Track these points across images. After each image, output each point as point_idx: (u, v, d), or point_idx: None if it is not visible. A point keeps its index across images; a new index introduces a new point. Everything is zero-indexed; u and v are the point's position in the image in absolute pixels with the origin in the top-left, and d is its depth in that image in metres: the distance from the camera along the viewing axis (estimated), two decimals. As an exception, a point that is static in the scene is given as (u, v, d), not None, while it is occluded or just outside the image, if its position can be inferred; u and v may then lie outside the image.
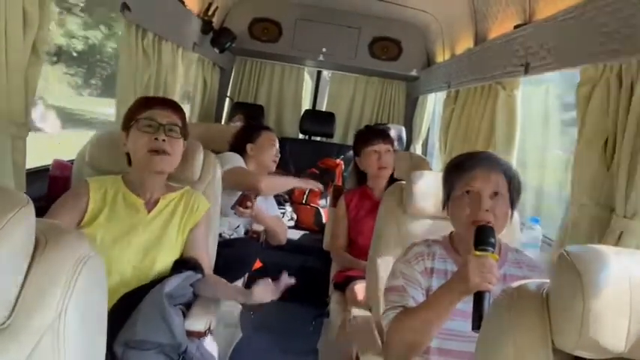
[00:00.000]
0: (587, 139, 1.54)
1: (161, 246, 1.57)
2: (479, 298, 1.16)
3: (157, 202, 1.63)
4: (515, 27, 2.10)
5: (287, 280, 1.59)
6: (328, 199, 3.60)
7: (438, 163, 3.72)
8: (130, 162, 1.62)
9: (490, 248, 1.19)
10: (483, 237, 1.21)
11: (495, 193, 1.31)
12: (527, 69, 1.95)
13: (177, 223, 1.63)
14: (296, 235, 3.34)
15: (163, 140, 1.55)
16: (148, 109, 1.58)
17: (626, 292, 0.73)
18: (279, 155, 2.63)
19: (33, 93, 1.54)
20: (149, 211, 1.60)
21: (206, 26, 3.16)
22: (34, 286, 0.69)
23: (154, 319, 1.36)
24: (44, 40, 1.52)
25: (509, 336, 0.80)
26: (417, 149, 4.22)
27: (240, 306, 2.22)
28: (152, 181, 1.62)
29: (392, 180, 2.45)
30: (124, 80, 2.30)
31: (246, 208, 2.20)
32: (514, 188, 1.35)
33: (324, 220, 3.49)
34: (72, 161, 1.88)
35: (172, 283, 1.44)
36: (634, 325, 0.72)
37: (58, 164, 1.97)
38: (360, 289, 2.14)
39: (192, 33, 3.02)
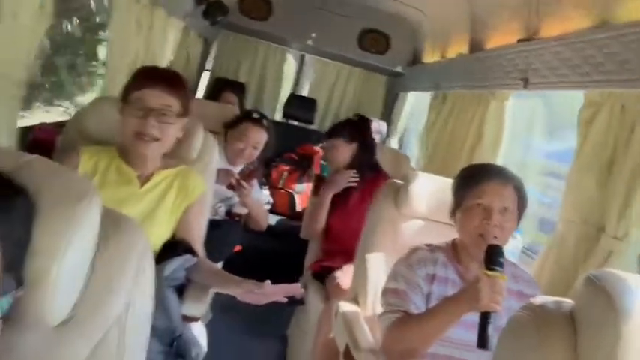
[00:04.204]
0: (585, 159, 1.60)
1: (153, 222, 1.52)
2: (485, 317, 1.20)
3: (150, 176, 1.57)
4: (519, 41, 2.14)
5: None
6: (305, 185, 3.60)
7: (414, 161, 3.77)
8: None
9: (500, 268, 1.23)
10: (494, 257, 1.24)
11: (505, 209, 1.36)
12: (526, 84, 2.00)
13: (171, 201, 1.57)
14: (272, 219, 3.32)
15: (152, 126, 1.45)
16: (139, 88, 1.47)
17: None
18: (252, 157, 2.38)
19: (34, 51, 1.45)
20: (142, 185, 1.55)
21: (200, -3, 3.05)
22: (99, 280, 0.66)
23: (151, 301, 1.32)
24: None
25: (534, 353, 0.83)
26: (393, 144, 4.26)
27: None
28: (143, 159, 1.54)
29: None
30: (115, 48, 2.19)
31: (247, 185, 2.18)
32: (522, 203, 1.40)
33: (297, 207, 3.48)
34: (60, 124, 1.78)
35: (171, 266, 1.40)
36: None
37: (44, 128, 1.87)
38: (342, 278, 2.14)
39: (186, 2, 2.90)
